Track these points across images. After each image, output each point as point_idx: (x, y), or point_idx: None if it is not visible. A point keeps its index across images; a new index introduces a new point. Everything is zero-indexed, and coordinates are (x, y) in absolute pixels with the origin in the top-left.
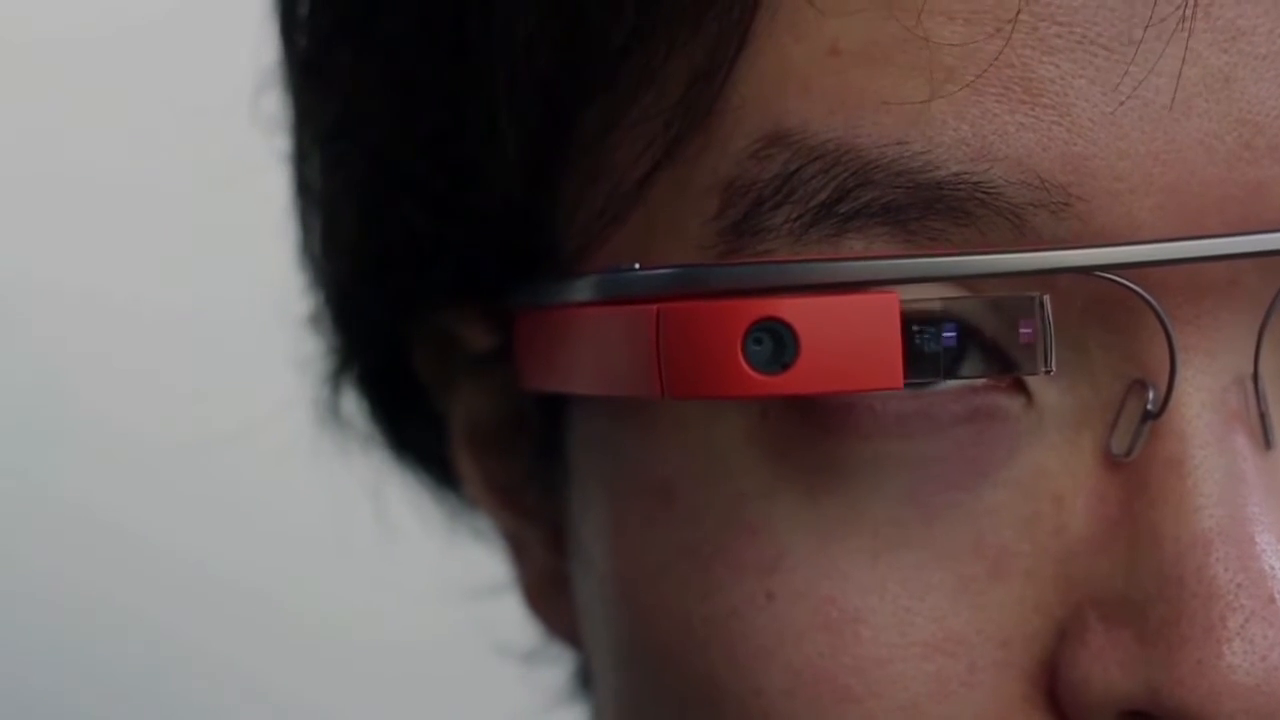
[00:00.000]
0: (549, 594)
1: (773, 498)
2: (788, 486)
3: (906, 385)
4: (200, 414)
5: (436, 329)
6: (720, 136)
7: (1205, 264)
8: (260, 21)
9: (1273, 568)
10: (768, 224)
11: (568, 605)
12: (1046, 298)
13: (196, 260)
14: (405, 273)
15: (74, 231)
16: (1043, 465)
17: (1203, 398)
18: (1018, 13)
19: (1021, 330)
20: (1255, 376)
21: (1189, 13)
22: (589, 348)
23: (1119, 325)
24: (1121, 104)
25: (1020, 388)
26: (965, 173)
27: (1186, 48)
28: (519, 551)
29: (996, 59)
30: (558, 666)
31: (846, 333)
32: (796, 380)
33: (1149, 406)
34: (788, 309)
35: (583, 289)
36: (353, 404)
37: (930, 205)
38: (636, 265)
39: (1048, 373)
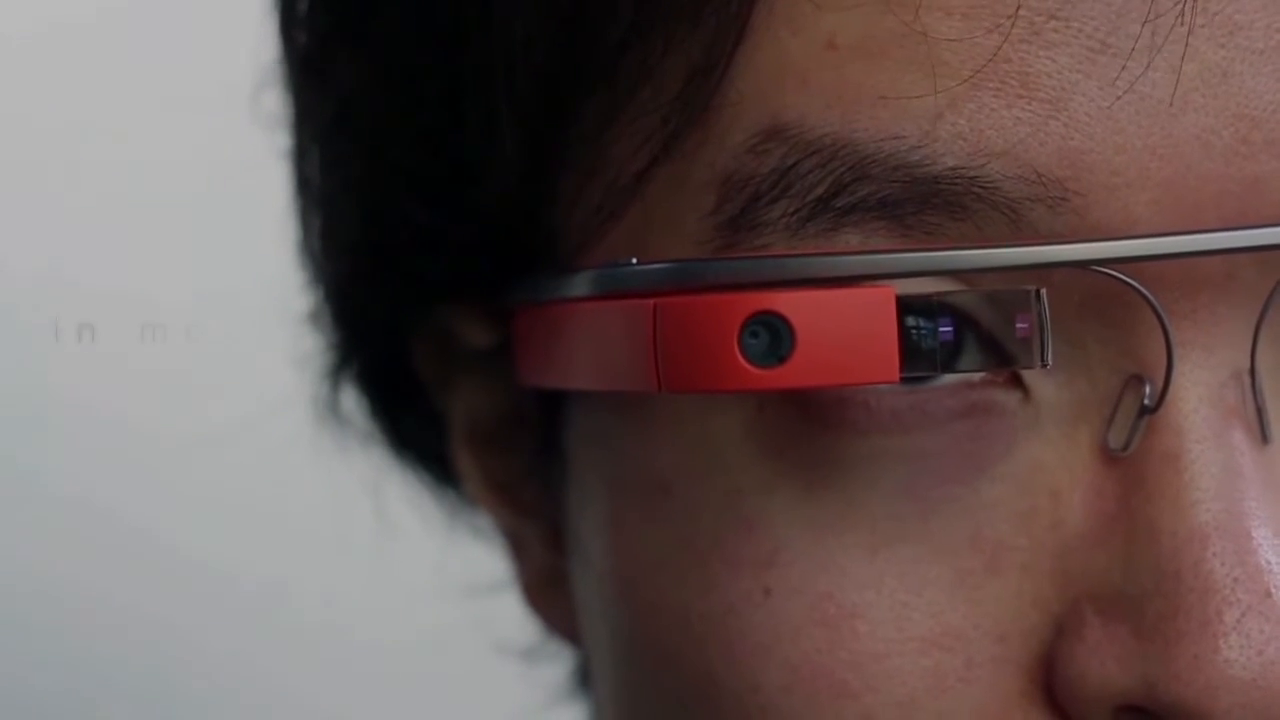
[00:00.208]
0: (548, 591)
1: (769, 493)
2: (784, 482)
3: (903, 378)
4: (199, 410)
5: (436, 326)
6: (718, 131)
7: (1202, 259)
8: (260, 19)
9: (1269, 562)
10: (765, 218)
11: (567, 603)
12: (1043, 291)
13: (196, 256)
14: (404, 269)
15: (72, 228)
16: (1040, 460)
17: (1200, 392)
18: (1017, 8)
19: (1018, 324)
20: (1252, 371)
21: (1186, 8)
22: (586, 343)
23: (1116, 320)
24: (1118, 99)
25: (1017, 383)
26: (962, 167)
27: (1184, 43)
28: (518, 549)
29: (994, 54)
30: (557, 664)
31: (842, 326)
32: (792, 374)
33: (1146, 401)
34: (784, 302)
35: (580, 284)
36: (352, 401)
37: (927, 200)
38: (634, 260)
39: (1044, 366)
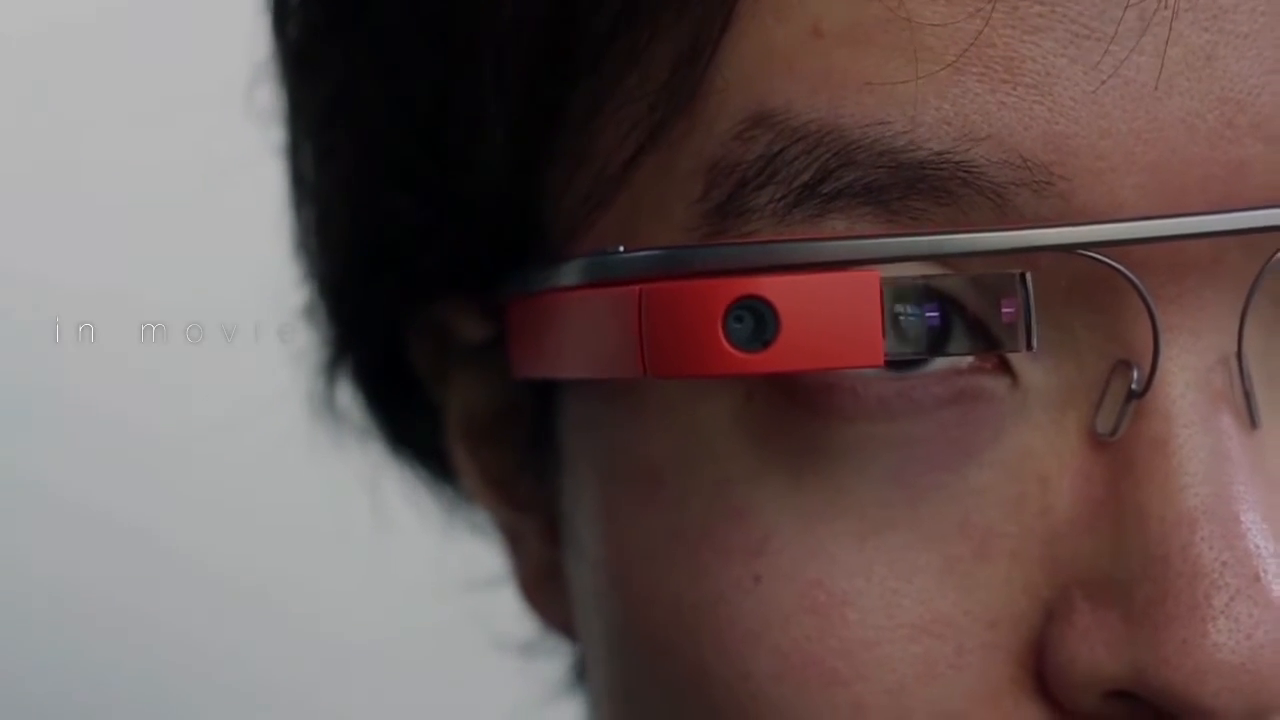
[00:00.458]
0: (545, 586)
1: (758, 481)
2: (773, 469)
3: (888, 362)
4: (199, 410)
5: (430, 320)
6: (704, 119)
7: (1188, 242)
8: (254, 16)
9: (1258, 546)
10: (751, 205)
11: (563, 597)
12: (1028, 275)
13: (196, 256)
14: (397, 264)
15: (72, 228)
16: (1028, 446)
17: (1187, 377)
18: None
19: (1004, 309)
20: (1239, 355)
21: None
22: (575, 331)
23: (1103, 305)
24: (1103, 83)
25: (1005, 369)
26: (947, 152)
27: (1169, 27)
28: (515, 544)
29: (978, 39)
30: (555, 659)
31: (827, 310)
32: (777, 358)
33: (1133, 386)
34: (768, 287)
35: (569, 273)
36: (348, 397)
37: (912, 185)
38: (621, 248)
39: (1030, 350)
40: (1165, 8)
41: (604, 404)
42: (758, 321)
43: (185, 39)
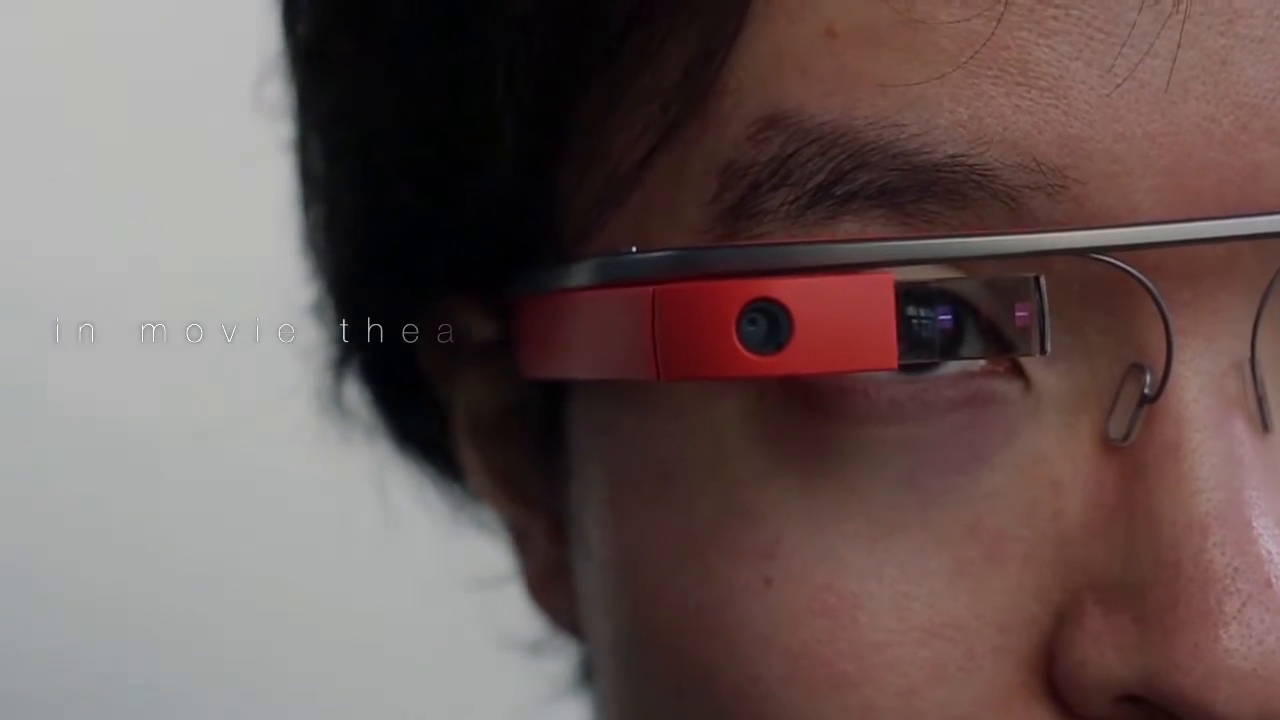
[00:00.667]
0: (552, 585)
1: (769, 483)
2: (784, 472)
3: (901, 365)
4: (199, 410)
5: (438, 318)
6: (718, 120)
7: (1202, 247)
8: (260, 15)
9: (1270, 552)
10: (764, 207)
11: (570, 596)
12: (1043, 278)
13: (196, 256)
14: (406, 261)
15: (72, 228)
16: (1040, 450)
17: (1200, 381)
18: None
19: (1017, 313)
20: (1253, 361)
21: None
22: (587, 332)
23: (1116, 309)
24: (1118, 86)
25: (1017, 372)
26: (961, 155)
27: (1183, 30)
28: (522, 542)
29: (992, 41)
30: (561, 659)
31: (841, 313)
32: (790, 360)
33: (1146, 390)
34: (782, 289)
35: (580, 274)
36: (355, 394)
37: (926, 188)
38: (633, 249)
39: (1044, 354)
40: (1179, 12)
41: (614, 404)
42: (771, 324)
43: (190, 39)
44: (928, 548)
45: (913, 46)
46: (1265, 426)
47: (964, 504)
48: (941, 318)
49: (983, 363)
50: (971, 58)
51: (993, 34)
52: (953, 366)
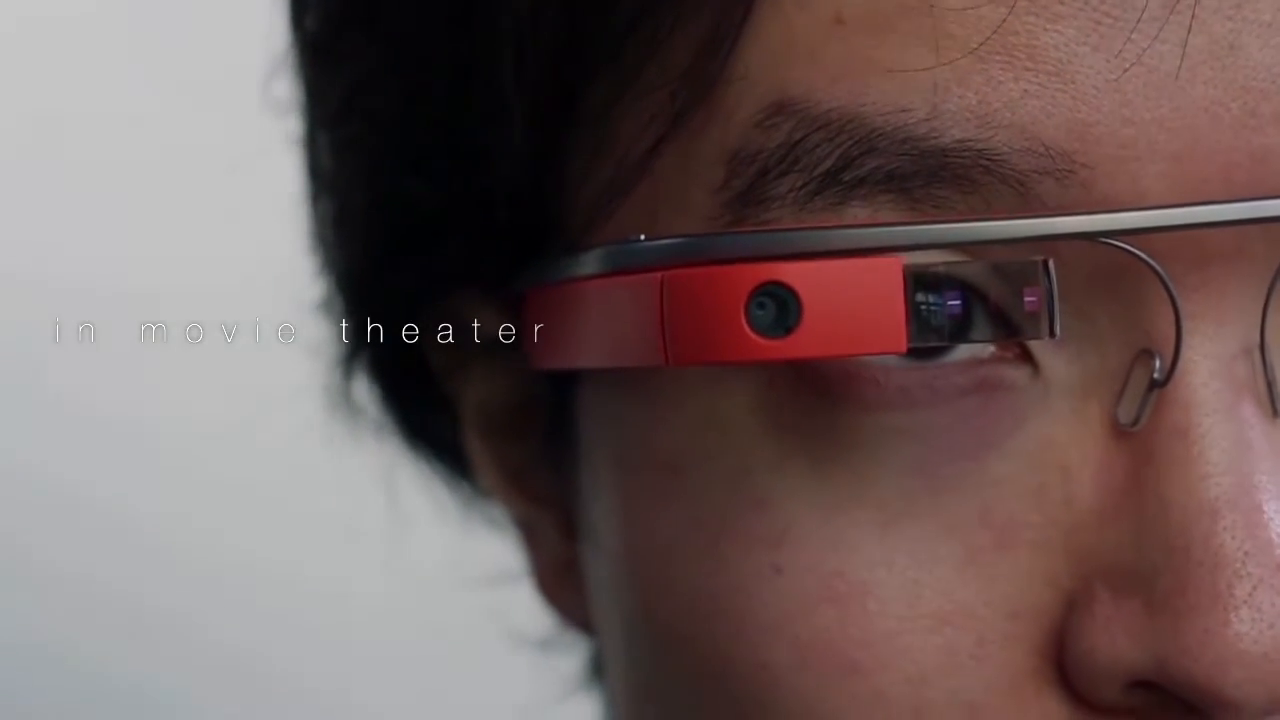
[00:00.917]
0: (561, 580)
1: (778, 471)
2: (794, 459)
3: (911, 349)
4: (199, 410)
5: (446, 313)
6: (725, 107)
7: (1210, 231)
8: (266, 13)
9: None
10: (773, 193)
11: (580, 591)
12: (1051, 262)
13: (197, 255)
14: (414, 256)
15: (72, 227)
16: (1050, 436)
17: (1210, 366)
18: None
19: (1026, 297)
20: (1262, 345)
21: None
22: (595, 320)
23: (1125, 294)
24: (1126, 71)
25: (1026, 358)
26: (970, 140)
27: (1191, 15)
28: (531, 538)
29: (1000, 26)
30: (571, 655)
31: (850, 296)
32: (800, 344)
33: (1155, 375)
34: (791, 273)
35: (589, 262)
36: (364, 391)
37: (935, 173)
38: (642, 236)
39: (1053, 337)
40: None
41: (622, 395)
42: (780, 308)
43: (193, 37)
44: (937, 535)
45: (921, 32)
46: (1275, 411)
47: (974, 491)
48: (950, 302)
49: (991, 349)
50: (981, 44)
51: (1003, 20)
52: (961, 353)
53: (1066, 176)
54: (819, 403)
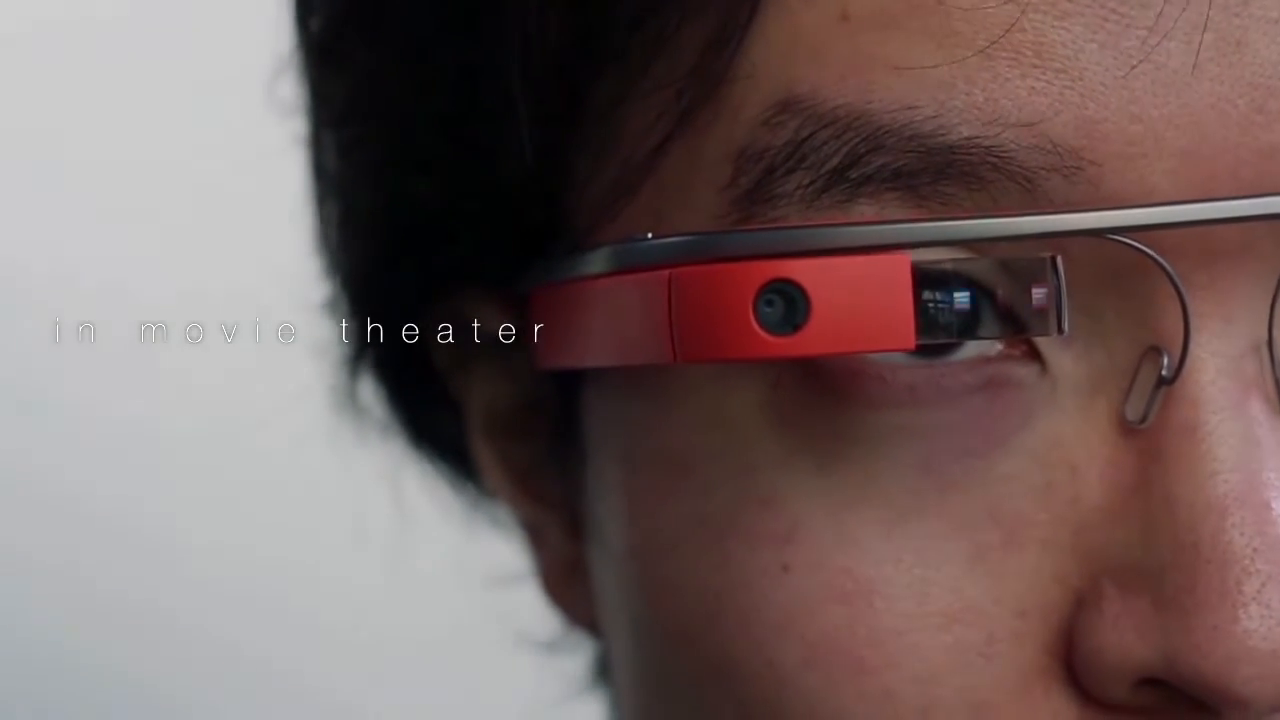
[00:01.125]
0: (567, 581)
1: (786, 469)
2: (800, 458)
3: (919, 346)
4: (202, 404)
5: (451, 313)
6: (732, 105)
7: (1218, 228)
8: (270, 13)
9: None
10: (779, 191)
11: (586, 592)
12: (1059, 258)
13: (197, 255)
14: (420, 256)
15: (72, 227)
16: (1057, 434)
17: (1218, 363)
18: None
19: (1034, 293)
20: (1270, 342)
21: None
22: (603, 319)
23: (1133, 291)
24: (1133, 68)
25: (1033, 356)
26: (977, 137)
27: (1199, 12)
28: (537, 539)
29: (1011, 26)
30: (577, 656)
31: (858, 293)
32: (808, 341)
33: (1163, 373)
34: (799, 270)
35: (596, 261)
36: (370, 391)
37: (942, 170)
38: (649, 235)
39: (1061, 334)
40: None
41: (629, 394)
42: (789, 305)
43: (195, 37)
44: (945, 533)
45: (928, 29)
46: None
47: (981, 489)
48: (958, 298)
49: (999, 346)
50: (990, 43)
51: (1014, 20)
52: (969, 350)
53: (1074, 173)
54: (826, 400)
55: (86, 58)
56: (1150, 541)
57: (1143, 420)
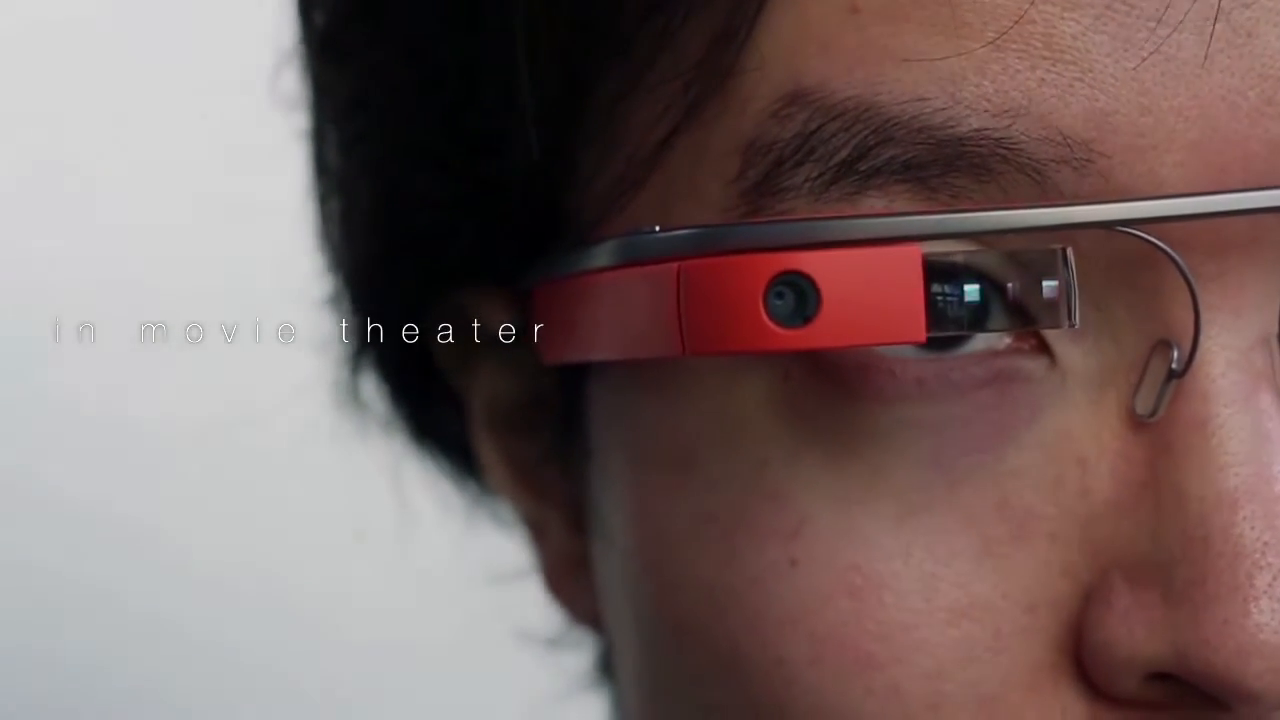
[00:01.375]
0: (570, 577)
1: (794, 463)
2: (809, 452)
3: (930, 339)
4: (202, 404)
5: (455, 309)
6: (740, 97)
7: (1228, 221)
8: (277, 2)
9: None
10: (788, 183)
11: (589, 588)
12: (1069, 250)
13: (197, 255)
14: (423, 251)
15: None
16: (1067, 427)
17: (1228, 356)
18: None
19: (1045, 285)
20: None
21: None
22: (610, 312)
23: (1142, 283)
24: (1144, 60)
25: (1043, 349)
26: (987, 129)
27: (1209, 3)
28: (539, 535)
29: (1020, 17)
30: (579, 653)
31: (868, 285)
32: (818, 334)
33: (1173, 366)
34: (809, 262)
35: (602, 254)
36: (370, 389)
37: (952, 162)
38: (657, 228)
39: (1071, 327)
40: None
41: (635, 388)
42: (799, 297)
43: (196, 37)
44: (954, 527)
45: (937, 20)
46: None
47: (990, 483)
48: (969, 291)
49: (1008, 340)
50: (1000, 35)
51: (1024, 12)
52: (978, 344)
53: (1084, 165)
54: (834, 395)
55: (85, 55)
56: (1160, 535)
57: (1152, 414)
